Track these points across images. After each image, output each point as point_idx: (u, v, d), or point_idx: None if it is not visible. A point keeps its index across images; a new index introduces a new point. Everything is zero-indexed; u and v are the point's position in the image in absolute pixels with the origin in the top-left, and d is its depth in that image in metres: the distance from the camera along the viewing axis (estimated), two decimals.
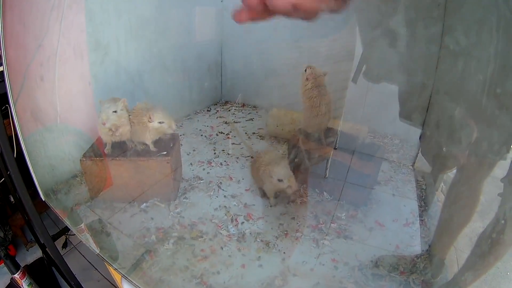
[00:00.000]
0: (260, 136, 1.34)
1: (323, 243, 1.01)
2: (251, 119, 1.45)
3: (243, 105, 1.54)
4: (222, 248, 0.97)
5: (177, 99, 1.39)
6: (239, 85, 1.54)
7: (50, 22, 1.03)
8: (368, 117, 1.32)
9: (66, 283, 1.60)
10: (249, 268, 0.93)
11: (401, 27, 1.09)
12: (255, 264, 0.94)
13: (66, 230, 1.66)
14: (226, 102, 1.58)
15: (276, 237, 1.01)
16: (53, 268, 1.69)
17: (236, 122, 1.42)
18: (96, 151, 1.08)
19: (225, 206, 1.06)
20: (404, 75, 1.15)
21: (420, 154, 1.27)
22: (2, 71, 1.10)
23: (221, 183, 1.13)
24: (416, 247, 1.06)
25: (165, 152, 1.03)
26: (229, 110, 1.51)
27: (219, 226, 1.01)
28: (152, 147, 1.05)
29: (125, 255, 0.98)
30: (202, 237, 0.99)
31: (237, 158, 1.24)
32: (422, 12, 0.96)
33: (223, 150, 1.28)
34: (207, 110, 1.53)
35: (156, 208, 1.07)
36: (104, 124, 1.00)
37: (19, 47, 1.11)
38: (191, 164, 1.21)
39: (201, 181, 1.14)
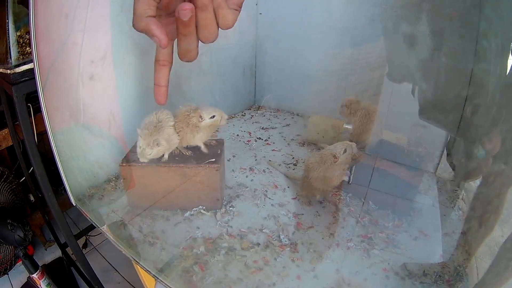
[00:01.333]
0: (299, 143, 1.26)
1: (373, 253, 0.96)
2: (288, 125, 1.38)
3: (278, 110, 1.46)
4: (275, 259, 0.90)
5: (212, 103, 1.30)
6: (273, 90, 1.46)
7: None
8: (397, 124, 1.27)
9: (85, 284, 1.50)
10: (305, 279, 0.87)
11: (430, 33, 1.05)
12: (310, 275, 0.88)
13: (87, 230, 1.55)
14: (260, 107, 1.49)
15: (328, 247, 0.94)
16: (72, 269, 1.58)
17: (273, 128, 1.34)
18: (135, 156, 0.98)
19: (274, 216, 0.98)
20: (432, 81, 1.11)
21: (443, 162, 1.24)
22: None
23: (266, 191, 1.05)
24: (458, 256, 1.02)
25: (213, 159, 0.94)
26: (264, 116, 1.42)
27: (270, 236, 0.94)
28: (204, 148, 0.96)
29: (172, 267, 0.90)
30: (253, 247, 0.92)
31: (279, 165, 1.16)
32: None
33: (264, 157, 1.21)
34: (242, 115, 1.44)
35: (201, 217, 0.98)
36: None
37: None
38: (233, 170, 1.13)
39: (246, 189, 1.06)
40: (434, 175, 1.24)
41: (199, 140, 0.95)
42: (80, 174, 1.08)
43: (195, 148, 0.98)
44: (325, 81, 1.27)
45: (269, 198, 1.03)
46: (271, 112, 1.46)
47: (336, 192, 1.07)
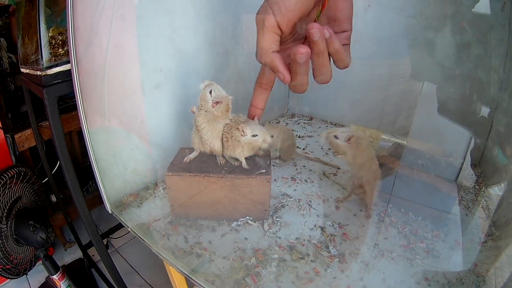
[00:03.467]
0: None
1: (415, 262, 0.95)
2: None
3: (311, 118, 1.42)
4: (325, 270, 0.88)
5: (247, 109, 1.24)
6: (307, 97, 1.41)
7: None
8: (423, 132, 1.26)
9: (106, 286, 1.45)
10: None
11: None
12: (359, 285, 0.87)
13: (108, 233, 1.49)
14: (293, 115, 1.44)
15: (374, 257, 0.93)
16: (93, 270, 1.53)
17: (309, 137, 1.30)
18: (181, 166, 0.92)
19: (320, 226, 0.95)
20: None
21: (465, 169, 1.24)
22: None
23: (311, 201, 1.02)
24: (489, 265, 1.03)
25: (264, 170, 0.90)
26: (299, 123, 1.38)
27: (319, 247, 0.91)
28: (244, 164, 0.91)
29: (223, 279, 0.86)
30: (304, 258, 0.89)
31: (319, 175, 1.13)
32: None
33: (304, 166, 1.17)
34: (276, 122, 1.39)
35: (248, 227, 0.95)
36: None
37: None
38: (275, 180, 1.09)
39: (290, 199, 1.02)
40: (455, 182, 1.24)
41: (239, 154, 0.89)
42: (117, 180, 1.02)
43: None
44: (360, 90, 1.23)
45: (314, 208, 1.00)
46: (305, 120, 1.41)
47: (377, 202, 1.05)
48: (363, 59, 1.25)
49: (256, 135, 0.88)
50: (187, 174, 0.89)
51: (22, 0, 1.31)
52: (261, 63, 0.38)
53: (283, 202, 1.02)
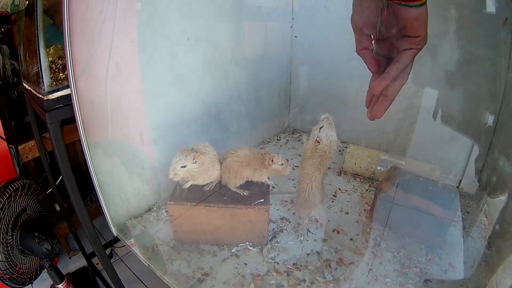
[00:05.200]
0: (336, 172, 1.24)
1: (408, 287, 0.97)
2: None
3: None
4: None
5: (250, 129, 1.25)
6: (308, 114, 1.41)
7: None
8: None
9: None
10: None
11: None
12: None
13: (113, 242, 1.52)
14: (294, 130, 1.44)
15: (368, 282, 0.95)
16: (97, 278, 1.56)
17: None
18: (182, 195, 0.94)
19: (317, 251, 0.98)
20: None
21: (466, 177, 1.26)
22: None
23: (309, 225, 1.04)
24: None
25: (262, 200, 0.91)
26: (299, 140, 1.38)
27: (315, 273, 0.94)
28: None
29: None
30: (300, 284, 0.92)
31: None
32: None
33: None
34: (277, 139, 1.40)
35: (248, 253, 0.97)
36: (172, 178, 0.89)
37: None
38: (274, 203, 1.10)
39: (289, 223, 1.04)
40: (457, 189, 1.26)
41: (259, 177, 0.96)
42: (120, 204, 1.04)
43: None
44: (361, 108, 1.23)
45: (312, 233, 1.02)
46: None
47: (374, 226, 1.07)
48: (365, 77, 1.25)
49: (282, 164, 0.95)
50: (189, 203, 0.91)
51: (22, 10, 1.30)
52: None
53: (281, 227, 1.04)
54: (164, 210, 1.08)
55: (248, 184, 0.97)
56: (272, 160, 0.92)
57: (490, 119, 1.12)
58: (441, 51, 1.16)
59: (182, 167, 0.88)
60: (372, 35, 0.42)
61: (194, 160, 0.88)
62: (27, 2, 1.29)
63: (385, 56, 0.42)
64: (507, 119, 1.03)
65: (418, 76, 1.19)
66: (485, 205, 1.17)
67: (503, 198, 1.02)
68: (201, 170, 0.90)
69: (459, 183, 1.30)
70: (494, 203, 1.11)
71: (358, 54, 0.42)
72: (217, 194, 0.94)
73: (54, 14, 1.05)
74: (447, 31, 1.11)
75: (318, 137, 0.90)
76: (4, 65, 1.82)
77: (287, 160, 0.96)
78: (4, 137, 1.48)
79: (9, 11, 1.68)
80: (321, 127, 0.91)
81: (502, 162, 1.05)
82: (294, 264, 0.95)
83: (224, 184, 0.97)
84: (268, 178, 1.00)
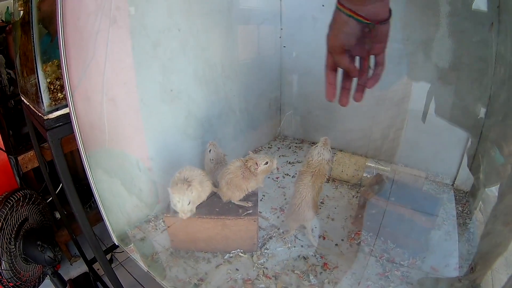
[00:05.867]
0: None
1: None
2: None
3: (302, 141, 1.49)
4: None
5: (242, 138, 1.32)
6: (298, 121, 1.48)
7: None
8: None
9: None
10: None
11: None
12: None
13: (113, 248, 1.60)
14: (286, 137, 1.51)
15: (350, 286, 1.03)
16: (98, 284, 1.64)
17: (299, 162, 1.38)
18: None
19: (304, 256, 1.06)
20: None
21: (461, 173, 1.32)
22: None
23: (297, 232, 1.11)
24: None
25: (250, 210, 0.99)
26: (290, 147, 1.45)
27: (301, 277, 1.02)
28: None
29: None
30: (287, 287, 0.99)
31: None
32: None
33: None
34: (269, 147, 1.47)
35: (239, 259, 1.05)
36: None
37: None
38: (264, 211, 1.18)
39: (278, 230, 1.12)
40: (451, 186, 1.33)
41: (256, 183, 1.01)
42: (121, 215, 1.11)
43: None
44: (349, 116, 1.30)
45: (299, 239, 1.10)
46: (296, 143, 1.49)
47: (359, 231, 1.15)
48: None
49: (267, 163, 1.00)
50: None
51: (18, 21, 1.34)
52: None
53: (271, 234, 1.12)
54: (161, 220, 1.16)
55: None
56: (257, 163, 0.97)
57: (481, 111, 1.17)
58: (433, 51, 1.22)
59: (187, 204, 0.95)
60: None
61: (192, 192, 0.94)
62: (22, 12, 1.34)
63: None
64: (497, 110, 1.09)
65: (411, 73, 1.25)
66: (480, 202, 1.18)
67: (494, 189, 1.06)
68: (197, 194, 0.97)
69: (454, 182, 1.36)
70: (489, 200, 1.14)
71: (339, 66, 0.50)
72: (210, 206, 1.01)
73: (48, 24, 1.10)
74: (439, 33, 1.17)
75: (309, 153, 0.98)
76: (0, 74, 1.87)
77: (272, 160, 1.00)
78: (4, 149, 1.54)
79: (3, 20, 1.73)
80: (316, 146, 0.98)
81: (494, 153, 1.10)
82: (282, 268, 1.03)
83: (227, 200, 1.04)
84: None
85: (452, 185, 1.36)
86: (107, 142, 0.97)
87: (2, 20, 1.87)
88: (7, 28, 1.75)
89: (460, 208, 1.31)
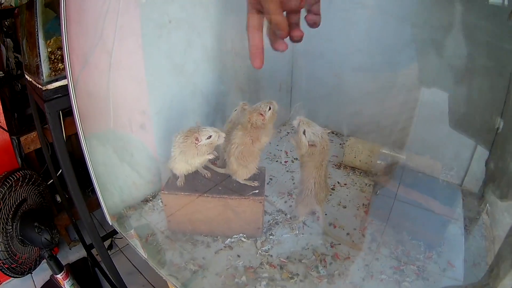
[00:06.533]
0: (336, 165, 1.22)
1: (404, 285, 0.95)
2: None
3: None
4: None
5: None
6: (308, 106, 1.39)
7: None
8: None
9: (109, 286, 1.50)
10: None
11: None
12: None
13: (113, 233, 1.53)
14: None
15: (362, 278, 0.94)
16: (96, 270, 1.57)
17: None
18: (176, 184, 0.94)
19: (312, 245, 0.96)
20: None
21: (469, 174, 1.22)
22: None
23: (305, 218, 1.02)
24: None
25: (257, 190, 0.90)
26: None
27: (309, 267, 0.92)
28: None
29: None
30: (293, 278, 0.90)
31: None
32: None
33: None
34: (278, 131, 1.38)
35: (241, 244, 0.96)
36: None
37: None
38: (271, 194, 1.09)
39: (285, 216, 1.03)
40: (459, 187, 1.23)
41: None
42: (116, 193, 1.04)
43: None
44: (361, 101, 1.21)
45: (308, 226, 1.00)
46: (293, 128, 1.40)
47: (372, 221, 1.05)
48: (365, 70, 1.23)
49: (210, 137, 0.88)
50: (182, 193, 0.90)
51: (24, 4, 1.31)
52: (267, 18, 0.42)
53: (277, 219, 1.03)
54: (160, 201, 1.08)
55: None
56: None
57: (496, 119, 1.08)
58: (446, 46, 1.13)
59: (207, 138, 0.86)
60: None
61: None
62: None
63: None
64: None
65: (422, 72, 1.17)
66: (487, 204, 1.13)
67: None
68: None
69: (462, 181, 1.27)
70: (496, 202, 1.07)
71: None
72: (212, 184, 0.93)
73: (58, 7, 1.05)
74: (452, 25, 1.08)
75: (310, 141, 0.87)
76: (8, 58, 1.85)
77: (272, 103, 0.91)
78: (6, 128, 1.50)
79: (13, 5, 1.71)
80: (303, 131, 0.88)
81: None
82: (288, 257, 0.94)
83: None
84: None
85: (461, 183, 1.25)
86: (111, 111, 0.90)
87: (11, 5, 1.86)
88: (16, 11, 1.73)
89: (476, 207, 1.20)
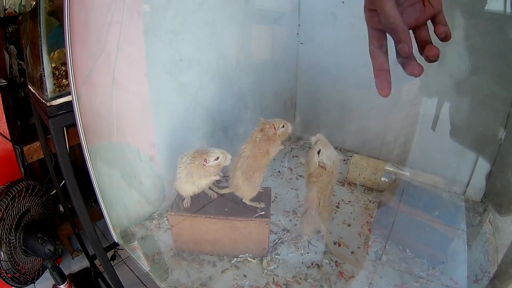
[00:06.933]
0: (340, 182, 1.22)
1: None
2: None
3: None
4: None
5: None
6: (312, 121, 1.38)
7: None
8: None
9: None
10: None
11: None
12: None
13: (116, 244, 1.51)
14: (299, 138, 1.42)
15: None
16: (99, 280, 1.56)
17: None
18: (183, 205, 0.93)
19: (317, 264, 0.96)
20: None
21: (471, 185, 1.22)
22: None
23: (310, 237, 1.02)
24: None
25: (263, 212, 0.89)
26: (304, 148, 1.36)
27: (314, 286, 0.92)
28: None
29: None
30: None
31: None
32: None
33: None
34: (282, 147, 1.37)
35: (248, 264, 0.96)
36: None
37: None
38: (276, 213, 1.08)
39: (290, 235, 1.02)
40: (462, 196, 1.23)
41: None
42: (122, 211, 1.03)
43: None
44: (365, 116, 1.20)
45: (313, 245, 1.00)
46: (309, 144, 1.39)
47: (376, 239, 1.05)
48: (370, 86, 1.22)
49: (284, 125, 0.91)
50: (188, 214, 0.89)
51: (28, 12, 1.29)
52: (386, 29, 0.36)
53: (282, 238, 1.02)
54: (165, 218, 1.07)
55: None
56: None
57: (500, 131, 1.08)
58: (449, 59, 1.12)
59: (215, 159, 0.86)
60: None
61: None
62: (34, 3, 1.28)
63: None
64: None
65: (424, 84, 1.16)
66: (490, 214, 1.12)
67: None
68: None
69: (465, 192, 1.27)
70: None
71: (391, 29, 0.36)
72: (218, 205, 0.92)
73: (61, 16, 1.04)
74: (455, 39, 1.07)
75: (321, 162, 0.87)
76: (11, 65, 1.82)
77: (286, 123, 0.93)
78: (10, 138, 1.48)
79: (17, 11, 1.68)
80: (318, 151, 0.87)
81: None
82: (293, 276, 0.94)
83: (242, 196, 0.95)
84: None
85: (463, 194, 1.26)
86: (114, 131, 0.88)
87: (15, 11, 1.83)
88: (20, 18, 1.71)
89: (478, 219, 1.21)
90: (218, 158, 0.86)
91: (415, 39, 0.38)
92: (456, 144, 1.15)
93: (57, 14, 1.03)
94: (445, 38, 0.37)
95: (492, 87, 1.06)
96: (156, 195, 1.06)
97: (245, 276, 0.93)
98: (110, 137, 0.97)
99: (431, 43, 0.37)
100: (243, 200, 0.93)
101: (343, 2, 1.22)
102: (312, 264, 0.97)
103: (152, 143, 1.01)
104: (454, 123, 1.13)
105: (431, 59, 0.36)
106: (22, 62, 1.85)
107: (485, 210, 1.21)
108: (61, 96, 1.01)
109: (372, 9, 0.37)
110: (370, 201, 1.17)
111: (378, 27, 0.38)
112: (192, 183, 0.87)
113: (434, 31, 0.38)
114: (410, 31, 0.37)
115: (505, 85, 1.04)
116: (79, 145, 1.57)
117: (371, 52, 0.39)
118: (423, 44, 0.37)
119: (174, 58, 0.98)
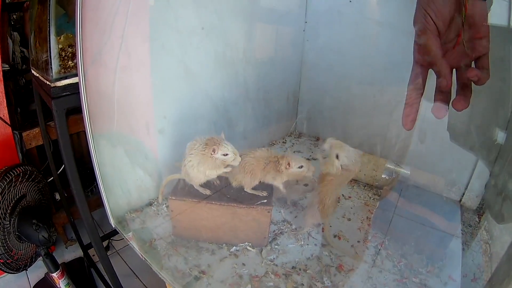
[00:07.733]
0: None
1: None
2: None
3: (318, 139, 1.39)
4: None
5: (256, 129, 1.22)
6: (315, 118, 1.38)
7: None
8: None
9: (104, 287, 1.45)
10: None
11: None
12: None
13: (110, 235, 1.49)
14: (300, 134, 1.41)
15: None
16: (92, 270, 1.53)
17: (315, 159, 1.27)
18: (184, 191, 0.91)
19: (317, 256, 0.94)
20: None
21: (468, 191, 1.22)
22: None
23: (310, 229, 1.00)
24: None
25: (265, 200, 0.88)
26: (305, 144, 1.35)
27: (313, 277, 0.90)
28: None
29: None
30: None
31: None
32: None
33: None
34: (283, 142, 1.37)
35: (247, 253, 0.94)
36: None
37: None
38: (277, 204, 1.07)
39: (290, 226, 1.01)
40: (459, 203, 1.22)
41: (273, 180, 0.91)
42: (121, 196, 1.01)
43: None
44: (368, 114, 1.20)
45: (313, 237, 0.98)
46: (311, 140, 1.38)
47: (376, 234, 1.04)
48: (372, 85, 1.22)
49: (302, 166, 0.89)
50: (190, 199, 0.88)
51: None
52: (430, 67, 0.36)
53: (282, 229, 1.01)
54: (164, 205, 1.05)
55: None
56: (289, 164, 0.86)
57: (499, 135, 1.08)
58: None
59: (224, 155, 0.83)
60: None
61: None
62: None
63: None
64: None
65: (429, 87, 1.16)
66: (486, 221, 1.12)
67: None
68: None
69: (461, 197, 1.26)
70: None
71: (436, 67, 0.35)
72: (220, 192, 0.90)
73: (67, 4, 1.03)
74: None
75: (344, 165, 0.84)
76: (14, 52, 1.80)
77: (309, 166, 0.90)
78: (9, 123, 1.45)
79: None
80: (337, 155, 0.85)
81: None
82: (293, 267, 0.92)
83: (238, 185, 0.93)
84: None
85: (460, 200, 1.25)
86: (115, 113, 0.87)
87: None
88: (25, 5, 1.69)
89: (476, 220, 1.20)
90: (227, 154, 0.83)
91: (456, 78, 0.39)
92: (456, 147, 1.15)
93: (62, 2, 1.02)
94: (477, 82, 0.38)
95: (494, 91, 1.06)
96: (156, 181, 1.04)
97: (244, 265, 0.91)
98: (114, 120, 0.95)
99: (468, 86, 0.38)
100: (245, 189, 0.92)
101: (350, 1, 1.23)
102: (311, 256, 0.95)
103: (154, 127, 0.99)
104: (455, 126, 1.13)
105: (456, 109, 0.38)
106: (25, 50, 1.83)
107: (482, 213, 1.21)
108: (66, 78, 0.99)
109: (419, 44, 0.37)
110: (370, 197, 1.16)
111: (422, 62, 0.38)
112: (203, 173, 0.85)
113: (467, 73, 0.38)
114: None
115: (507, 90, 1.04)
116: (78, 134, 1.55)
117: (409, 86, 0.41)
118: (460, 87, 0.38)
119: (181, 44, 0.97)
